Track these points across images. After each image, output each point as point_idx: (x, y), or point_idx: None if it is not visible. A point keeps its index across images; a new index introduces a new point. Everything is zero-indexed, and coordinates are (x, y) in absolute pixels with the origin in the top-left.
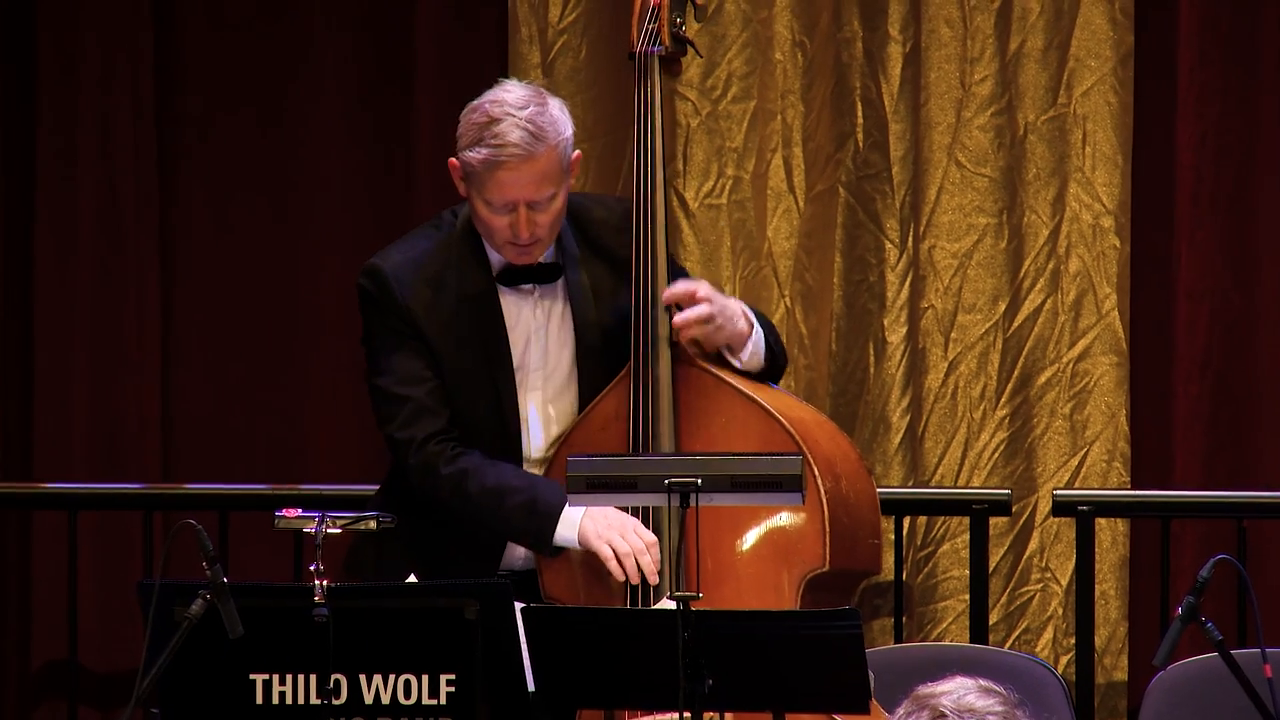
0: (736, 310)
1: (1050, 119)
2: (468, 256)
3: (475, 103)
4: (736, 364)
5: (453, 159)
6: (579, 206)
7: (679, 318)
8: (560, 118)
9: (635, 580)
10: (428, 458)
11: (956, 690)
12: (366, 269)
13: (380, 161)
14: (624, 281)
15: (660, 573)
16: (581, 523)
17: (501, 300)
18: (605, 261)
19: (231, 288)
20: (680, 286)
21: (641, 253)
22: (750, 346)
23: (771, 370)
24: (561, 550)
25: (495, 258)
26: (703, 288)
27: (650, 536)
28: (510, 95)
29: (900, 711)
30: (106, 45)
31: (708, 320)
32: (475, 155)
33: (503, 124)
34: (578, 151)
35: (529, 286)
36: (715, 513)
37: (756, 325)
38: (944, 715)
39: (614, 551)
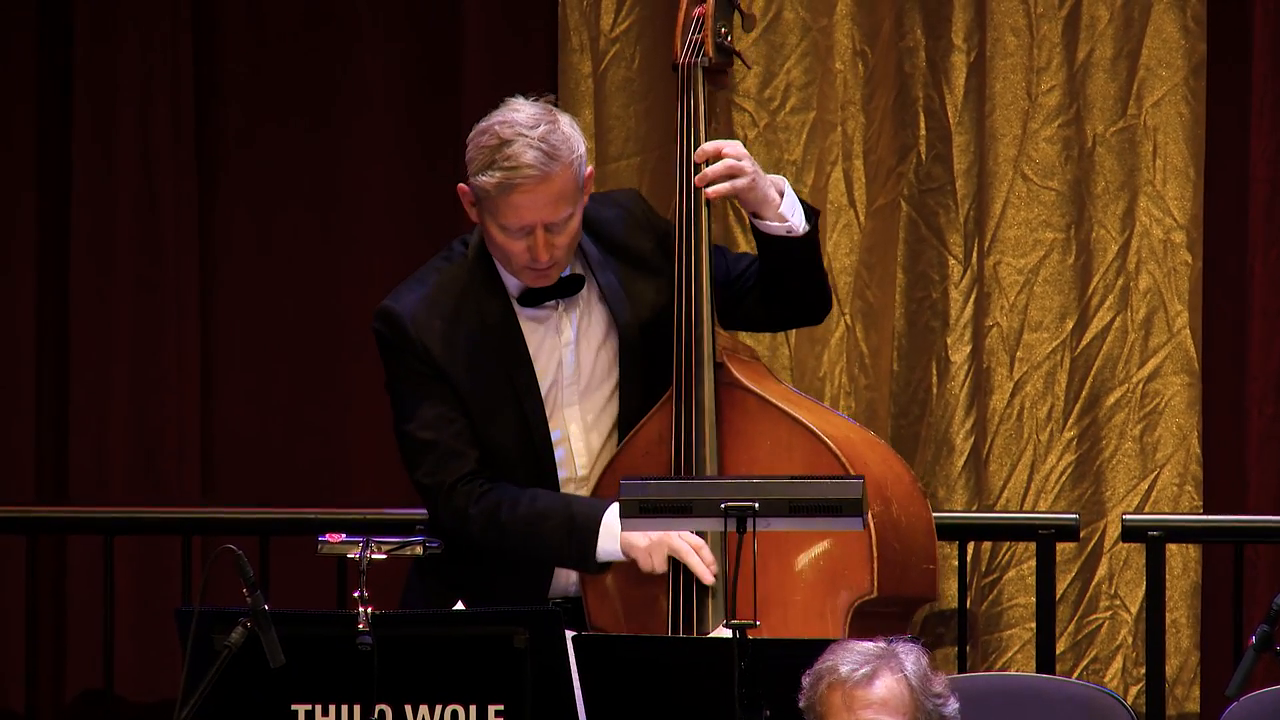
0: (769, 179)
1: (1120, 130)
2: (482, 285)
3: (483, 124)
4: (772, 225)
5: (462, 185)
6: (586, 211)
7: (701, 175)
8: (572, 135)
9: (707, 577)
10: (457, 500)
11: (840, 650)
12: (379, 313)
13: (427, 175)
14: (649, 276)
15: (717, 602)
16: (624, 534)
17: (523, 324)
18: (625, 260)
19: (274, 304)
20: (710, 145)
21: (683, 272)
22: (783, 208)
23: (815, 247)
24: (607, 567)
25: (511, 282)
26: (729, 146)
27: (696, 539)
28: (520, 115)
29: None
30: (145, 53)
31: (735, 174)
32: (488, 179)
33: (515, 145)
34: (590, 168)
35: (552, 303)
36: (761, 538)
37: (789, 192)
38: (834, 673)
39: (665, 553)
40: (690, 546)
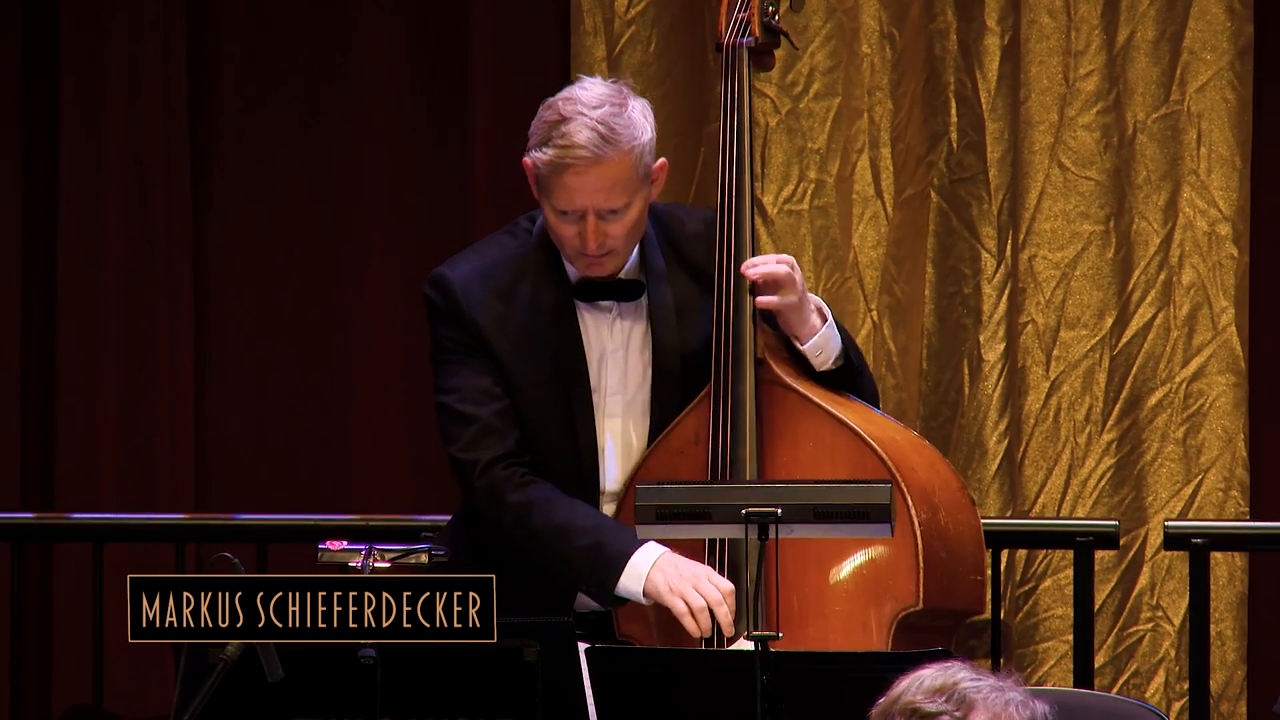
0: (813, 302)
1: (1162, 117)
2: (543, 269)
3: (551, 99)
4: (804, 348)
5: (526, 158)
6: (670, 217)
7: (754, 270)
8: (639, 121)
9: (708, 634)
10: (494, 481)
11: (913, 683)
12: (433, 278)
13: (433, 162)
14: (706, 301)
15: (738, 612)
16: (650, 574)
17: (578, 317)
18: (695, 279)
19: (271, 299)
20: (760, 258)
21: (725, 263)
22: (817, 339)
23: (849, 377)
24: (623, 602)
25: (573, 270)
26: (785, 258)
27: (727, 585)
28: (586, 93)
29: None
30: (136, 37)
31: (786, 284)
32: (542, 156)
33: (572, 123)
34: (662, 159)
35: (608, 304)
36: (800, 544)
37: (830, 321)
38: (918, 708)
39: (689, 606)
40: (715, 597)
